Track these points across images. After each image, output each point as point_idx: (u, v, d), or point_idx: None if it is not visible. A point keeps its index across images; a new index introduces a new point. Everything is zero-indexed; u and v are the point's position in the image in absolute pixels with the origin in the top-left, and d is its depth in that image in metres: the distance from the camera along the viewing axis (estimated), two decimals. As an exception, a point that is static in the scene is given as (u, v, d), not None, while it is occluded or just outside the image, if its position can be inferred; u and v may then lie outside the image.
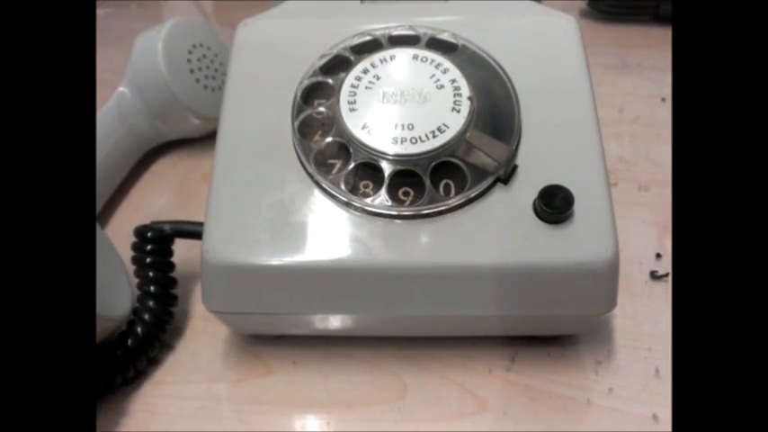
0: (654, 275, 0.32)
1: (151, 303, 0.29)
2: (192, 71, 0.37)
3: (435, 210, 0.25)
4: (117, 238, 0.32)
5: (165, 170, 0.40)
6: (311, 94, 0.29)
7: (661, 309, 0.31)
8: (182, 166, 0.40)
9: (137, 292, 0.30)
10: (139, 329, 0.28)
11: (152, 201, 0.38)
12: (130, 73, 0.37)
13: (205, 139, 0.40)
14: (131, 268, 0.30)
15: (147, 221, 0.30)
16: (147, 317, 0.29)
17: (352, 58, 0.29)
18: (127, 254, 0.30)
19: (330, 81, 0.29)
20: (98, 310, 0.27)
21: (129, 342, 0.28)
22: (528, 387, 0.28)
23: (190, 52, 0.38)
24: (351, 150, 0.27)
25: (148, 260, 0.29)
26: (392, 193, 0.26)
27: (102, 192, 0.36)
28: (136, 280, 0.30)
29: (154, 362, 0.29)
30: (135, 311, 0.29)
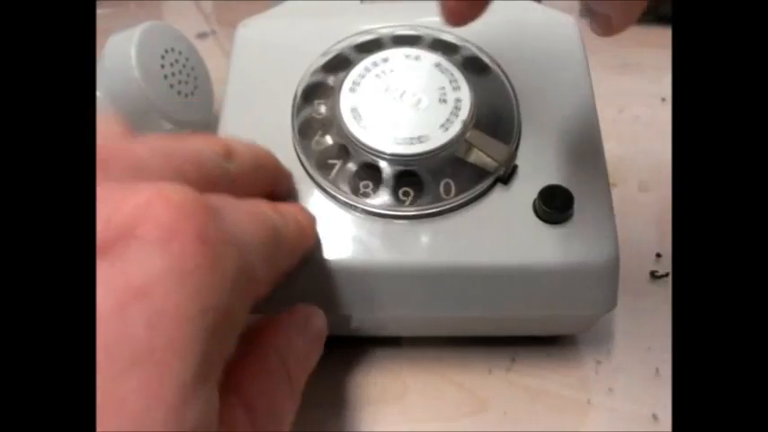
0: (654, 275, 0.32)
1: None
2: (165, 77, 0.37)
3: (435, 210, 0.25)
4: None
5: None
6: (311, 94, 0.29)
7: (661, 309, 0.31)
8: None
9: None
10: None
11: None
12: (103, 78, 0.37)
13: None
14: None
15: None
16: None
17: (352, 58, 0.29)
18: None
19: (330, 81, 0.29)
20: None
21: None
22: (528, 387, 0.28)
23: (162, 57, 0.37)
24: (351, 151, 0.27)
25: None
26: (392, 193, 0.26)
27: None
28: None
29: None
30: None
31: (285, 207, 0.23)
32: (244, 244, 0.17)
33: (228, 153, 0.22)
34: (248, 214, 0.19)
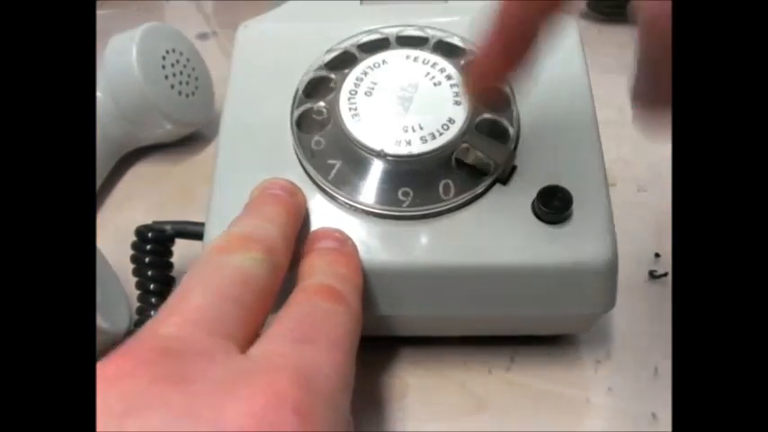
0: (652, 275, 0.32)
1: (154, 300, 0.29)
2: (166, 77, 0.37)
3: (435, 210, 0.25)
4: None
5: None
6: (311, 94, 0.29)
7: (659, 308, 0.31)
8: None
9: (135, 294, 0.30)
10: None
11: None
12: (104, 78, 0.37)
13: (178, 144, 0.41)
14: (126, 270, 0.30)
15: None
16: (153, 313, 0.29)
17: (352, 58, 0.29)
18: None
19: (330, 83, 0.29)
20: (102, 324, 0.27)
21: None
22: (527, 387, 0.28)
23: (164, 58, 0.38)
24: (350, 151, 0.27)
25: (148, 259, 0.30)
26: (392, 194, 0.26)
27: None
28: (133, 280, 0.30)
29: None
30: (140, 309, 0.29)
31: (342, 271, 0.23)
32: (335, 390, 0.19)
33: (270, 250, 0.22)
34: (329, 350, 0.20)
